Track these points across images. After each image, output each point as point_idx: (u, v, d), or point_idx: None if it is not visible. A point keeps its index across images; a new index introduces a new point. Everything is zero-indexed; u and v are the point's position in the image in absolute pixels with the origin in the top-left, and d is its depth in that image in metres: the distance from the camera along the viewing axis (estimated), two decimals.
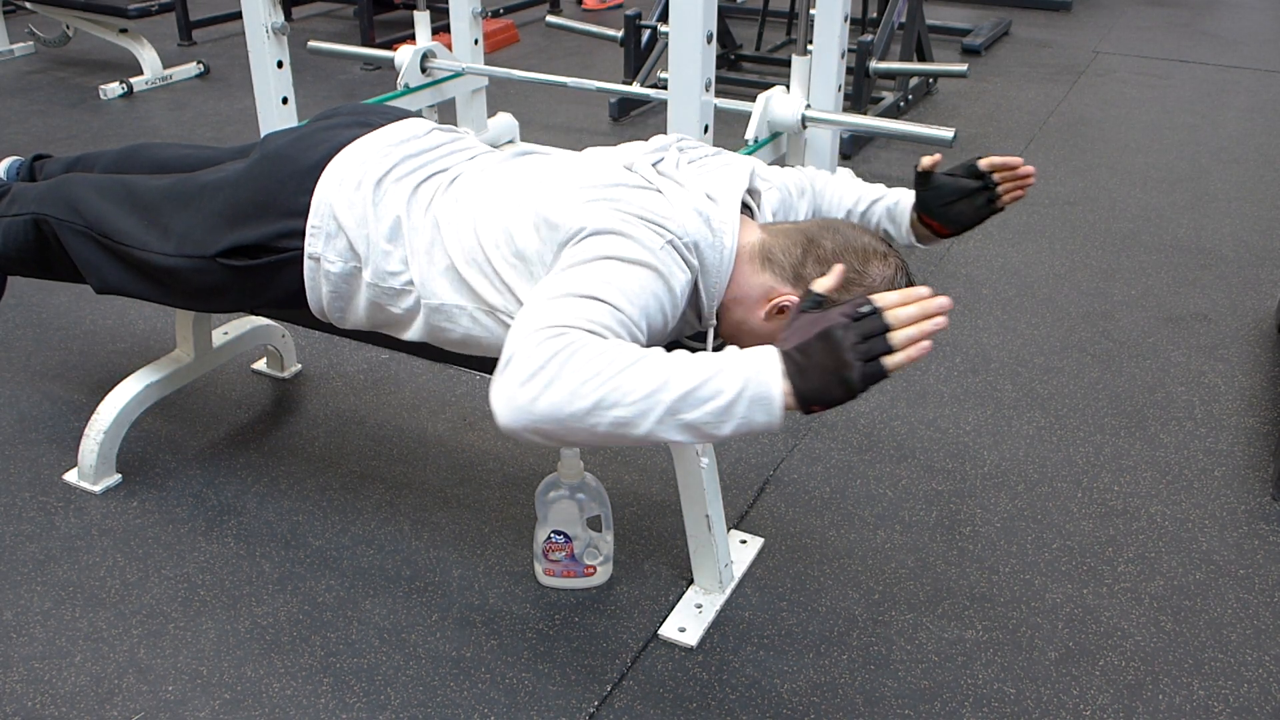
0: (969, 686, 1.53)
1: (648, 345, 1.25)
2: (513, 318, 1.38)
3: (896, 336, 1.05)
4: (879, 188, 1.64)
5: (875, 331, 1.05)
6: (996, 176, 1.54)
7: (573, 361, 1.10)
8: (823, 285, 1.20)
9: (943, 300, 1.06)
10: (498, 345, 1.43)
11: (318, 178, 1.50)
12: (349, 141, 1.53)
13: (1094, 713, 1.49)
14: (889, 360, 1.05)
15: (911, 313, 1.05)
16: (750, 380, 1.07)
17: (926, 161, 1.54)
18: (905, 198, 1.60)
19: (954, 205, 1.55)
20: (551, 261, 1.32)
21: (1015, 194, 1.56)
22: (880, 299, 1.07)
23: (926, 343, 1.05)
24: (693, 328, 1.45)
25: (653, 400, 1.07)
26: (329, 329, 1.64)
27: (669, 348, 1.51)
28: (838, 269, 1.22)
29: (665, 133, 1.70)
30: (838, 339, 1.05)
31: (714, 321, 1.41)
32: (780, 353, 1.09)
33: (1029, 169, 1.53)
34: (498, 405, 1.11)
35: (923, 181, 1.56)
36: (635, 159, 1.44)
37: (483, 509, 1.89)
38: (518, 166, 1.49)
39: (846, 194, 1.63)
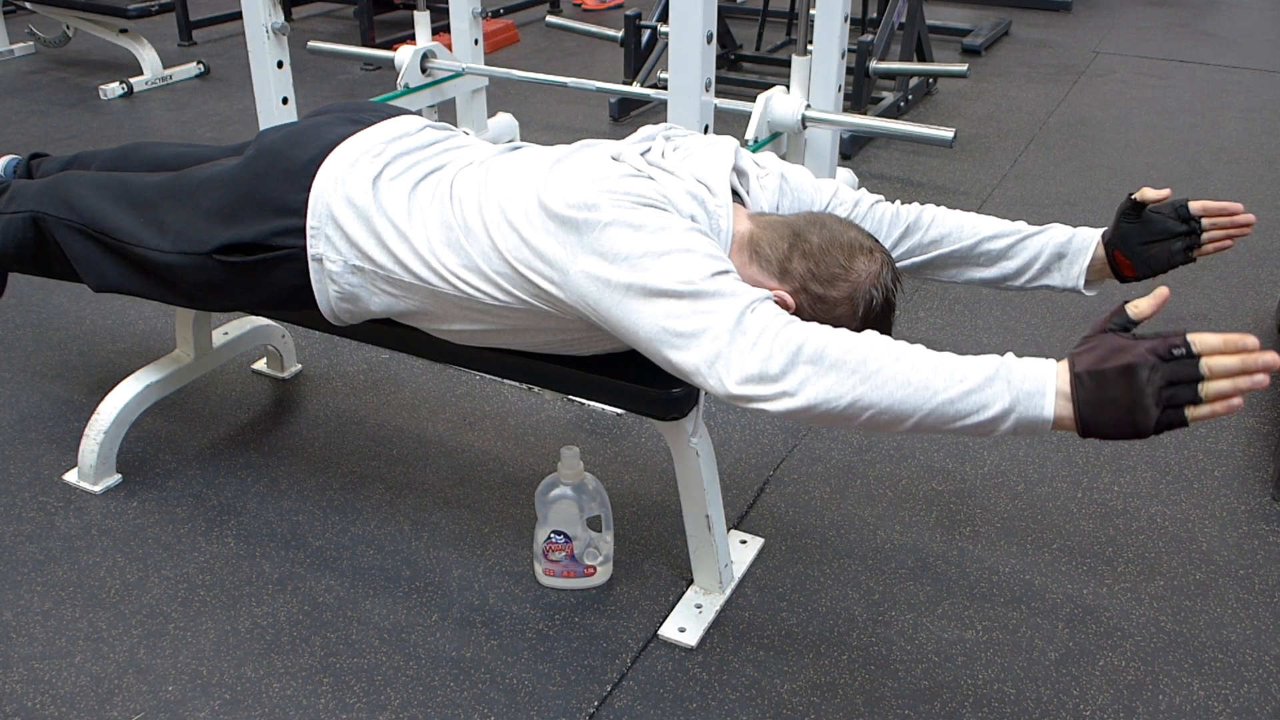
0: (969, 686, 1.53)
1: None
2: (504, 306, 1.39)
3: (1209, 388, 0.96)
4: (1023, 225, 1.47)
5: (1186, 378, 0.96)
6: (1206, 222, 1.38)
7: (825, 355, 1.11)
8: (1138, 310, 1.05)
9: (1271, 356, 0.95)
10: (489, 334, 1.44)
11: (313, 175, 1.50)
12: (342, 139, 1.54)
13: (1094, 713, 1.49)
14: (1193, 411, 0.96)
15: (1231, 365, 0.96)
16: (1021, 400, 1.03)
17: (1151, 194, 1.36)
18: (1083, 233, 1.43)
19: (1153, 245, 1.38)
20: (583, 252, 1.28)
21: (1223, 244, 1.39)
22: (1200, 341, 0.97)
23: (1238, 400, 0.95)
24: None
25: (912, 406, 1.06)
26: (329, 329, 1.64)
27: None
28: (1161, 292, 1.04)
29: None
30: (1142, 380, 0.97)
31: None
32: (1071, 374, 1.02)
33: (1248, 216, 1.38)
34: (744, 389, 1.13)
35: (1134, 212, 1.38)
36: (622, 150, 1.44)
37: (483, 509, 1.89)
38: (513, 161, 1.49)
39: (983, 225, 1.48)
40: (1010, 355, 1.07)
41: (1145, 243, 1.38)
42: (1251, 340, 0.96)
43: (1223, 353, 0.96)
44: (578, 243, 1.30)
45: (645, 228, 1.26)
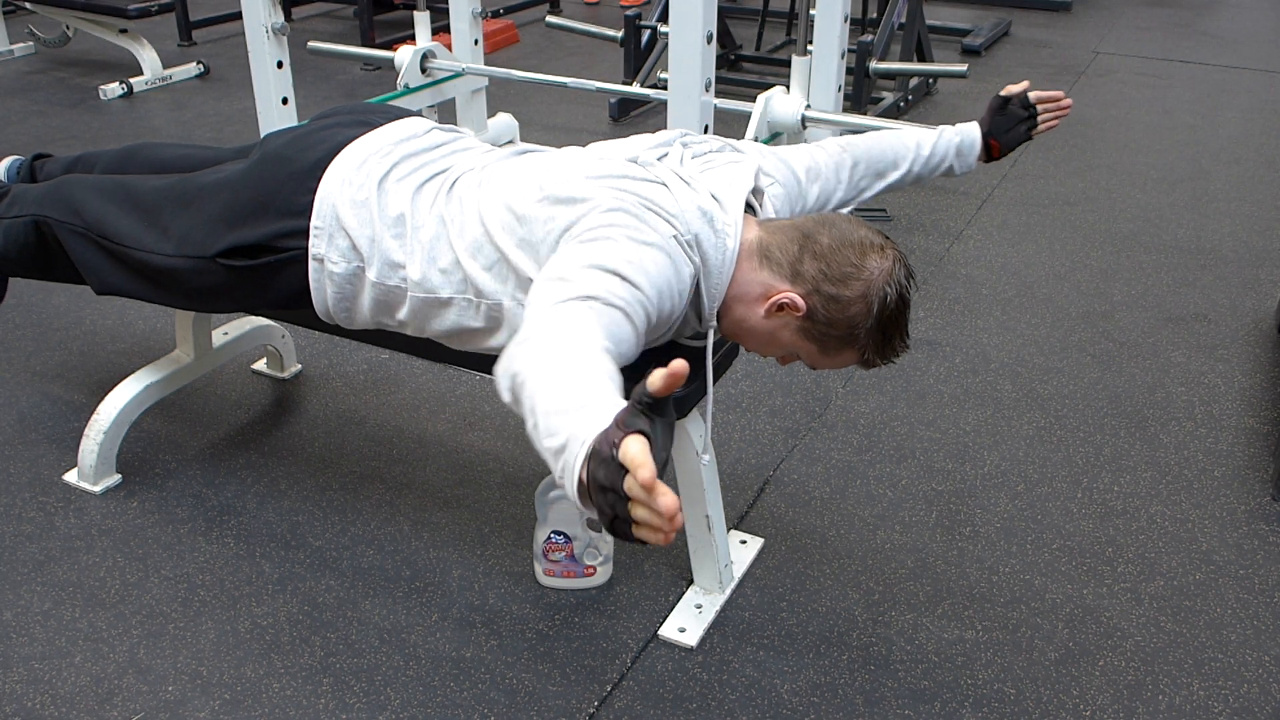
0: (969, 686, 1.53)
1: (650, 333, 1.27)
2: (501, 306, 1.40)
3: (636, 511, 0.86)
4: (928, 130, 1.76)
5: (612, 487, 0.87)
6: (1040, 108, 1.80)
7: (530, 340, 1.10)
8: (654, 385, 0.89)
9: (673, 514, 0.83)
10: (484, 335, 1.44)
11: (319, 177, 1.50)
12: (349, 141, 1.53)
13: (1094, 713, 1.49)
14: (633, 530, 0.87)
15: (641, 499, 0.85)
16: (570, 443, 0.94)
17: (1015, 89, 1.78)
18: (969, 131, 1.76)
19: (1010, 131, 1.79)
20: (558, 237, 1.33)
21: (1051, 123, 1.82)
22: (624, 452, 0.85)
23: (663, 537, 0.85)
24: (692, 328, 1.45)
25: (532, 406, 1.02)
26: (329, 329, 1.64)
27: (667, 349, 1.52)
28: (678, 365, 0.88)
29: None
30: (593, 470, 0.89)
31: (714, 323, 1.42)
32: (595, 441, 0.92)
33: (1068, 101, 1.83)
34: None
35: (1001, 106, 1.78)
36: (640, 152, 1.44)
37: (483, 509, 1.89)
38: (521, 162, 1.49)
39: (901, 145, 1.70)
40: (615, 402, 0.97)
41: (1007, 129, 1.79)
42: (645, 474, 0.83)
43: (643, 486, 0.83)
44: (566, 217, 1.33)
45: (633, 227, 1.28)
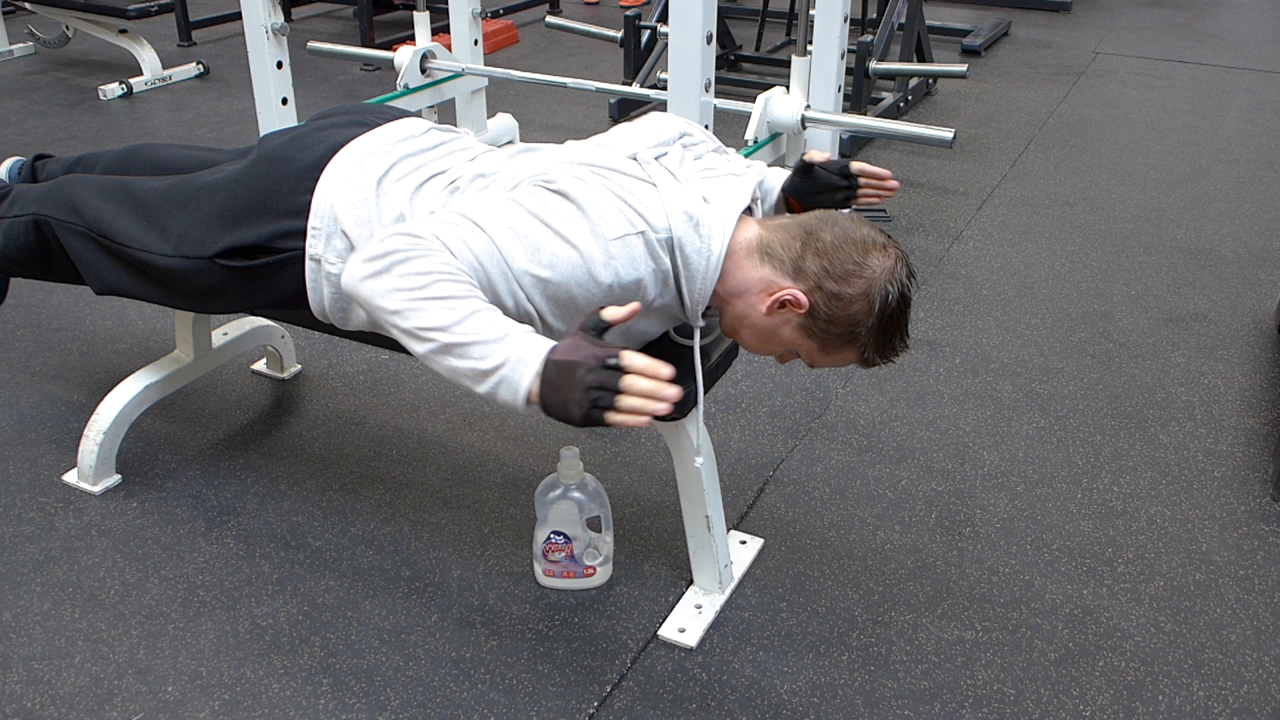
0: (969, 686, 1.53)
1: (556, 306, 1.33)
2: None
3: (623, 401, 1.14)
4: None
5: (609, 385, 1.14)
6: (861, 180, 1.65)
7: (401, 266, 1.22)
8: (611, 315, 1.21)
9: (673, 391, 1.15)
10: None
11: (317, 178, 1.50)
12: (347, 141, 1.53)
13: (1094, 713, 1.49)
14: (609, 415, 1.15)
15: (643, 387, 1.14)
16: (511, 362, 1.18)
17: (818, 156, 1.66)
18: (771, 176, 1.67)
19: (819, 195, 1.64)
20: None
21: (872, 199, 1.69)
22: (630, 360, 1.15)
23: (645, 418, 1.14)
24: (679, 321, 1.47)
25: (433, 334, 1.20)
26: (329, 329, 1.64)
27: (656, 343, 1.53)
28: (632, 306, 1.23)
29: None
30: (579, 377, 1.14)
31: (700, 322, 1.42)
32: (546, 358, 1.17)
33: (894, 183, 1.67)
34: (345, 268, 1.27)
35: (805, 170, 1.64)
36: (639, 149, 1.44)
37: (483, 509, 1.89)
38: (519, 160, 1.49)
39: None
40: (528, 331, 1.21)
41: (813, 193, 1.64)
42: (666, 371, 1.15)
43: (642, 374, 1.14)
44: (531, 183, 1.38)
45: (562, 216, 1.31)
